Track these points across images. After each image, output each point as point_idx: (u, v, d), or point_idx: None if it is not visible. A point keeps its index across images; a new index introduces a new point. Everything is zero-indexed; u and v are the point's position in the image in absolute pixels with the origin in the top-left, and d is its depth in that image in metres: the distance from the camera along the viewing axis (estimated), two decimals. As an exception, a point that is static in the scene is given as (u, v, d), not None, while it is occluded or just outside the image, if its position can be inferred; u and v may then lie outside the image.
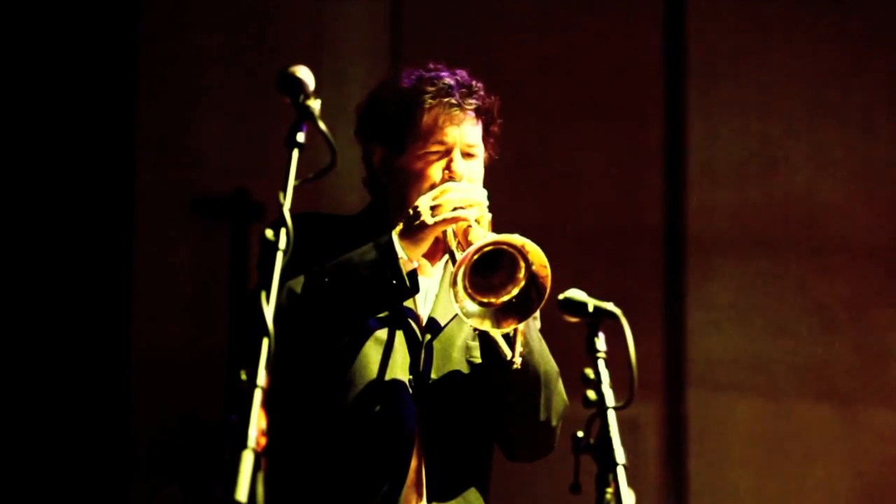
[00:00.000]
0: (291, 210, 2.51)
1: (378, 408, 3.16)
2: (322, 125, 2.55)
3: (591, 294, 2.82)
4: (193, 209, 5.85)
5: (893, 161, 6.62)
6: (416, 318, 3.24)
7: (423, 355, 3.21)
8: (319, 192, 5.72)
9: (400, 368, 3.19)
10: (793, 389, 6.46)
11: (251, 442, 2.33)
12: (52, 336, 5.70)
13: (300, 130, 2.57)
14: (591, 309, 2.77)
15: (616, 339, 2.73)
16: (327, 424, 3.18)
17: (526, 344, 3.11)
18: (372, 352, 3.18)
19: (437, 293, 3.28)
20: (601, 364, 2.72)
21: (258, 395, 2.37)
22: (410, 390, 3.19)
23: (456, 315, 3.19)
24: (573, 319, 2.83)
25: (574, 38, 6.41)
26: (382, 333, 3.20)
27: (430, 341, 3.22)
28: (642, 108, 6.46)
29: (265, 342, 2.40)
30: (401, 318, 3.22)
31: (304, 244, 2.97)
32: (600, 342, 2.75)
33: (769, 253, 6.50)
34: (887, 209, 6.59)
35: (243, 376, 2.38)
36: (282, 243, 2.49)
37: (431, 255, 3.28)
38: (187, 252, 5.86)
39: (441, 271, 3.31)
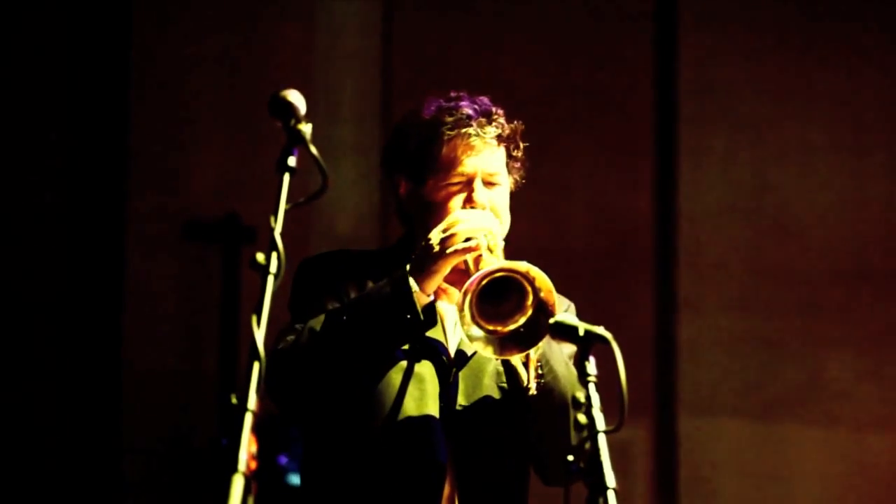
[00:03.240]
0: (289, 235, 2.51)
1: (409, 438, 3.15)
2: (313, 149, 2.55)
3: (581, 317, 2.82)
4: (184, 233, 5.86)
5: (884, 183, 6.64)
6: (444, 347, 3.23)
7: (452, 384, 3.20)
8: (311, 216, 5.73)
9: (430, 398, 3.18)
10: (784, 413, 6.46)
11: (241, 465, 2.33)
12: (43, 358, 5.69)
13: (291, 154, 2.57)
14: (581, 333, 2.76)
15: (607, 363, 2.73)
16: (359, 457, 3.17)
17: (550, 371, 3.10)
18: (401, 383, 3.17)
19: None
20: (592, 388, 2.71)
21: (249, 419, 2.37)
22: (441, 419, 3.17)
23: None
24: (564, 343, 2.83)
25: (568, 63, 6.44)
26: (411, 364, 3.19)
27: (459, 370, 3.21)
28: (634, 130, 6.48)
29: (256, 366, 2.40)
30: (429, 348, 3.21)
31: (335, 281, 3.11)
32: (591, 366, 2.74)
33: (760, 276, 6.51)
34: (878, 231, 6.61)
35: (234, 400, 2.37)
36: (272, 267, 2.49)
37: (461, 283, 3.27)
38: (178, 276, 5.87)
39: None
